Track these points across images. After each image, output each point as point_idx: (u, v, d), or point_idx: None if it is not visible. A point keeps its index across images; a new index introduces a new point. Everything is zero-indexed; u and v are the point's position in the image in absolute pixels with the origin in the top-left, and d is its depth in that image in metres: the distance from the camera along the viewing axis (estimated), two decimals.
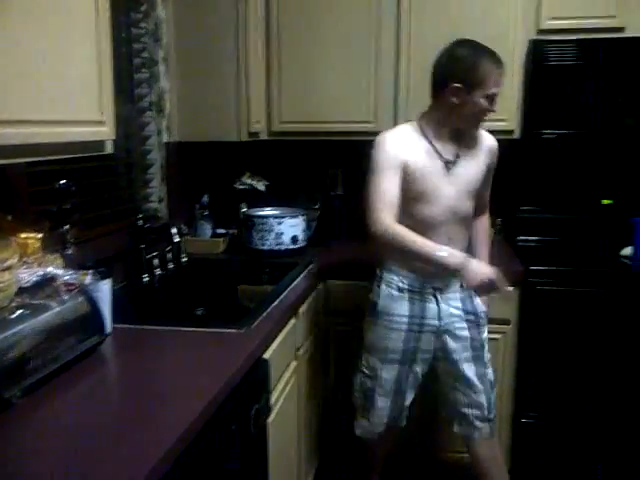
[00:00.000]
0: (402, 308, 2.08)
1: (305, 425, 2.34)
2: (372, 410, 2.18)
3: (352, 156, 3.14)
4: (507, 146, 2.87)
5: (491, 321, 2.50)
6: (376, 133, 2.80)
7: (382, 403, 2.16)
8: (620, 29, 2.60)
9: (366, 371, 2.17)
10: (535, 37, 2.66)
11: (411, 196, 1.97)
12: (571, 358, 2.50)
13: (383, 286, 2.12)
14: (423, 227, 1.96)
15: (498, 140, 2.79)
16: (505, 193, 3.02)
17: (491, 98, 1.93)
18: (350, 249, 2.86)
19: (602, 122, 2.65)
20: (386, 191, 1.92)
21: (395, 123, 2.76)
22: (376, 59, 2.77)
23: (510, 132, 2.73)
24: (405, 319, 2.07)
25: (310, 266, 2.52)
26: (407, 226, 1.90)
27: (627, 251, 2.57)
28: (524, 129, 2.73)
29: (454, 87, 1.91)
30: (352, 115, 2.82)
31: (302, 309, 2.25)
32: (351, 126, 2.83)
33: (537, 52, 2.64)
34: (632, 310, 2.42)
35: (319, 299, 2.57)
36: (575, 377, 2.51)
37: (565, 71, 2.64)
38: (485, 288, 1.87)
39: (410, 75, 2.74)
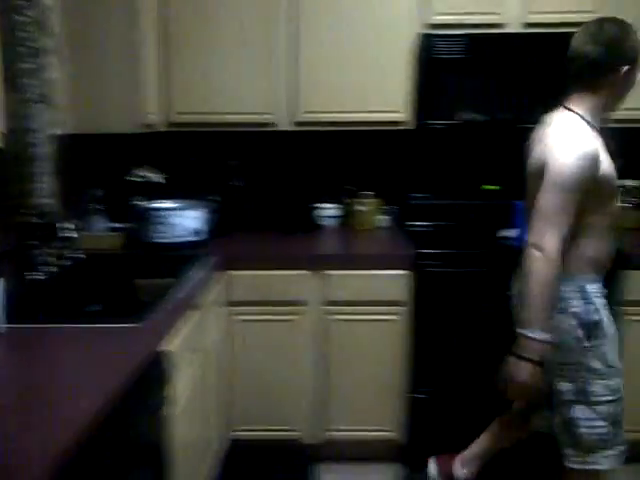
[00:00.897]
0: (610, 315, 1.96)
1: (214, 415, 2.36)
2: (620, 432, 1.96)
3: (251, 147, 3.19)
4: (398, 136, 3.02)
5: (385, 303, 2.64)
6: (273, 124, 2.87)
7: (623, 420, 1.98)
8: (502, 25, 2.77)
9: (611, 398, 1.92)
10: (424, 31, 2.77)
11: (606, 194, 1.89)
12: (462, 334, 2.65)
13: (595, 299, 1.91)
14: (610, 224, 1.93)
15: (389, 131, 2.93)
16: (397, 181, 3.16)
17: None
18: (253, 240, 2.89)
19: (486, 113, 2.81)
20: (564, 212, 1.81)
21: (290, 114, 2.82)
22: (271, 50, 2.80)
23: (401, 123, 2.84)
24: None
25: (211, 258, 2.53)
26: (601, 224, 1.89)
27: (506, 232, 2.74)
28: (415, 120, 2.85)
29: (626, 69, 1.84)
30: (249, 106, 2.83)
31: (205, 300, 2.26)
32: (248, 117, 2.85)
33: (426, 46, 2.75)
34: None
35: (223, 290, 2.60)
36: (466, 352, 2.66)
37: (453, 64, 2.77)
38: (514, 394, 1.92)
39: (304, 66, 2.80)
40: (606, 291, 1.96)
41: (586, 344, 1.89)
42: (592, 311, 1.89)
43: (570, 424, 1.95)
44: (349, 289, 2.64)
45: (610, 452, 1.93)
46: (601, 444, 1.93)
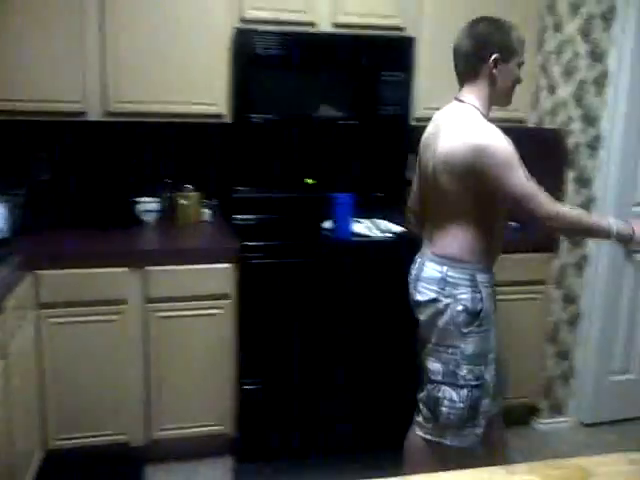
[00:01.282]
0: (492, 305, 2.07)
1: (22, 426, 2.17)
2: (478, 417, 2.06)
3: (60, 138, 2.97)
4: (219, 130, 3.00)
5: (210, 297, 2.61)
6: (82, 114, 2.70)
7: (486, 406, 2.07)
8: (313, 24, 2.85)
9: (473, 382, 2.02)
10: (240, 25, 2.77)
11: None
12: (287, 324, 2.70)
13: (482, 288, 2.00)
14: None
15: (209, 124, 2.91)
16: (219, 175, 3.15)
17: (521, 67, 2.02)
18: (66, 236, 2.70)
19: (303, 109, 2.89)
20: (531, 179, 1.91)
21: (103, 104, 2.68)
22: (80, 38, 2.62)
23: (220, 116, 2.82)
24: (493, 315, 2.07)
25: (15, 257, 2.32)
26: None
27: (328, 224, 2.85)
28: (235, 113, 2.84)
29: (495, 58, 1.96)
30: (55, 94, 2.64)
31: (8, 304, 2.07)
32: (55, 106, 2.65)
33: (242, 40, 2.75)
34: (335, 275, 2.72)
35: (30, 292, 2.39)
36: (292, 342, 2.72)
37: (269, 60, 2.79)
38: None
39: (115, 56, 2.66)
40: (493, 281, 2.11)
41: (464, 330, 2.00)
42: (478, 300, 2.00)
43: (434, 402, 2.07)
44: (171, 285, 2.57)
45: (463, 433, 2.06)
46: (456, 424, 2.05)
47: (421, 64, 2.94)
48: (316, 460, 2.67)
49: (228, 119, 2.85)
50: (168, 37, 2.71)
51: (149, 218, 2.98)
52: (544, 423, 3.19)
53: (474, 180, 1.93)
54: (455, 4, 2.92)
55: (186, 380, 2.66)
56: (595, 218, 2.08)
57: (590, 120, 2.94)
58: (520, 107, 3.11)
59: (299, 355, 2.73)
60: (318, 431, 2.78)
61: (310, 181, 3.05)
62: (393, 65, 2.89)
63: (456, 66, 2.08)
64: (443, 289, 2.01)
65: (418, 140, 3.16)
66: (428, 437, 2.12)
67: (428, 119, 2.94)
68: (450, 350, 2.03)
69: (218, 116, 2.82)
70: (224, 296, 2.63)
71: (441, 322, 2.02)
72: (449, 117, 2.05)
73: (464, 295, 1.99)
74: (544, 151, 3.08)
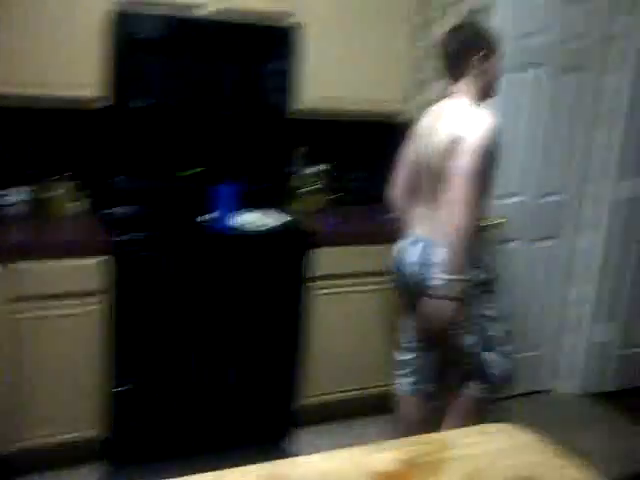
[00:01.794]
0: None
1: None
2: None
3: None
4: (96, 116, 2.84)
5: (81, 294, 2.48)
6: None
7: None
8: (196, 7, 2.74)
9: (502, 340, 2.35)
10: (119, 8, 2.62)
11: None
12: (166, 321, 2.62)
13: (483, 260, 2.30)
14: None
15: (85, 110, 2.74)
16: (97, 164, 2.99)
17: (500, 61, 2.30)
18: None
19: (186, 96, 2.81)
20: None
21: None
22: None
23: (96, 101, 2.66)
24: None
25: None
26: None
27: (209, 215, 2.80)
28: (112, 99, 2.69)
29: (479, 58, 2.23)
30: None
31: None
32: None
33: (122, 23, 2.59)
34: (218, 267, 2.68)
35: None
36: (171, 337, 2.64)
37: (150, 45, 2.68)
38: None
39: None
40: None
41: (480, 300, 2.27)
42: (483, 271, 2.28)
43: (481, 367, 2.33)
44: (39, 282, 2.41)
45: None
46: (509, 379, 2.42)
47: (306, 56, 2.92)
48: (194, 458, 2.62)
49: (104, 104, 2.69)
50: (41, 18, 2.52)
51: (15, 211, 2.78)
52: None
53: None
54: None
55: (57, 383, 2.50)
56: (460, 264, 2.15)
57: None
58: (401, 101, 3.19)
59: (177, 352, 2.66)
60: (196, 429, 2.74)
61: (193, 171, 2.98)
62: (278, 53, 2.86)
63: (446, 67, 2.34)
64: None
65: (305, 131, 3.24)
66: (483, 396, 2.40)
67: (315, 110, 3.00)
68: (476, 320, 2.27)
69: (94, 101, 2.66)
70: (97, 293, 2.50)
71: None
72: (449, 109, 2.28)
73: (474, 271, 2.20)
74: None
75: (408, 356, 2.53)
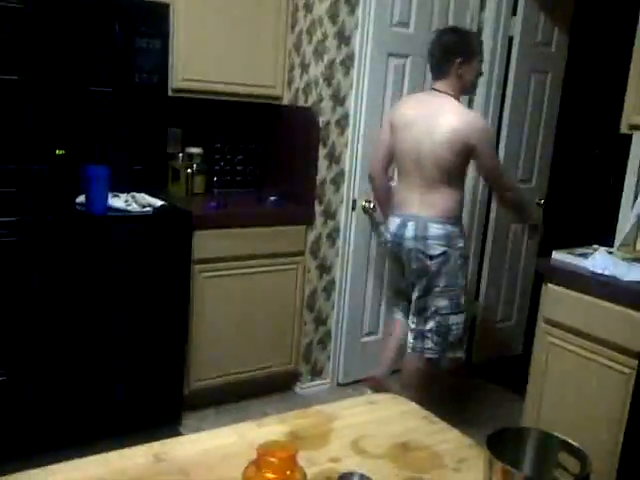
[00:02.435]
0: None
1: None
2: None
3: None
4: None
5: None
6: None
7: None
8: None
9: (465, 307, 2.73)
10: None
11: None
12: (37, 309, 2.47)
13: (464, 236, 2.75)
14: None
15: None
16: None
17: (481, 63, 2.68)
18: None
19: (51, 71, 2.64)
20: None
21: None
22: None
23: None
24: None
25: None
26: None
27: (81, 199, 2.67)
28: None
29: (459, 61, 2.57)
30: None
31: None
32: None
33: None
34: (90, 252, 2.55)
35: None
36: (50, 325, 2.49)
37: (9, 14, 2.49)
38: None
39: None
40: None
41: (460, 271, 2.66)
42: (466, 246, 2.73)
43: (446, 329, 2.67)
44: None
45: (462, 345, 2.84)
46: (462, 338, 2.78)
47: (178, 33, 2.87)
48: (84, 447, 2.50)
49: None
50: None
51: None
52: (305, 387, 3.39)
53: (467, 152, 2.54)
54: None
55: None
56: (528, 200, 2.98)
57: (339, 99, 3.14)
58: (276, 85, 3.23)
59: (57, 341, 2.53)
60: (82, 418, 2.63)
61: (60, 152, 2.82)
62: (147, 32, 2.78)
63: (431, 67, 2.70)
64: (448, 243, 2.60)
65: (179, 112, 3.17)
66: (435, 357, 2.71)
67: (188, 90, 2.94)
68: (454, 287, 2.65)
69: None
70: None
71: (447, 268, 2.61)
72: (438, 104, 2.59)
73: (460, 244, 2.65)
74: (299, 128, 3.23)
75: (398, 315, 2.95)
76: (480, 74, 2.71)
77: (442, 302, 2.65)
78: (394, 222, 2.71)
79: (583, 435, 2.28)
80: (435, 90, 2.65)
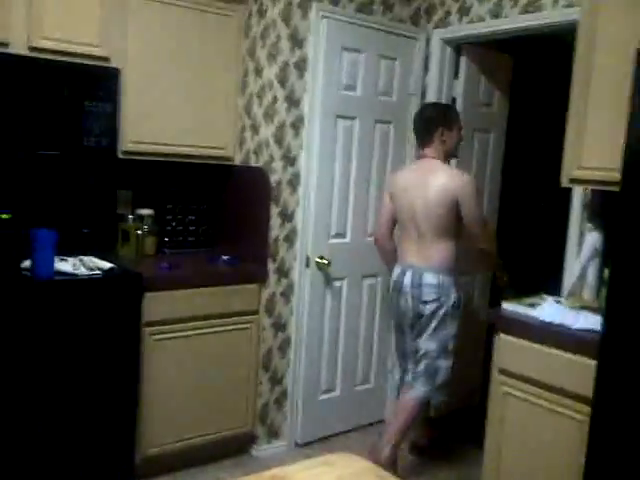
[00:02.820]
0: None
1: None
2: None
3: None
4: None
5: None
6: None
7: None
8: (5, 44, 2.59)
9: (452, 353, 3.00)
10: None
11: None
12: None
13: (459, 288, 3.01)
14: None
15: None
16: None
17: (461, 130, 3.07)
18: None
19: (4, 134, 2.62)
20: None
21: None
22: None
23: None
24: None
25: None
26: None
27: (27, 263, 2.61)
28: None
29: (441, 131, 2.98)
30: None
31: None
32: None
33: None
34: (36, 318, 2.48)
35: None
36: None
37: None
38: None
39: None
40: None
41: (452, 318, 2.94)
42: (459, 296, 2.98)
43: (434, 370, 2.95)
44: None
45: (447, 388, 3.03)
46: (448, 382, 3.00)
47: (128, 97, 2.90)
48: None
49: None
50: None
51: None
52: (263, 449, 3.30)
53: (457, 207, 2.86)
54: (160, 41, 2.97)
55: None
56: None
57: (290, 159, 3.19)
58: (228, 146, 3.27)
59: (3, 410, 2.42)
60: None
61: (5, 216, 2.76)
62: (97, 95, 2.79)
63: (417, 136, 3.09)
64: (441, 291, 2.91)
65: (129, 174, 3.17)
66: (424, 395, 2.99)
67: (138, 153, 2.95)
68: (444, 332, 2.93)
69: None
70: None
71: (441, 313, 2.91)
72: (429, 167, 2.96)
73: (453, 294, 2.93)
74: (251, 187, 3.26)
75: (397, 375, 3.25)
76: (460, 140, 3.08)
77: (432, 345, 2.94)
78: (396, 271, 3.06)
79: None
80: (423, 156, 3.05)
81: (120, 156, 2.92)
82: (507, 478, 2.49)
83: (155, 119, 2.98)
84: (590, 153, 2.45)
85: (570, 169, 2.52)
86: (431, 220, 2.90)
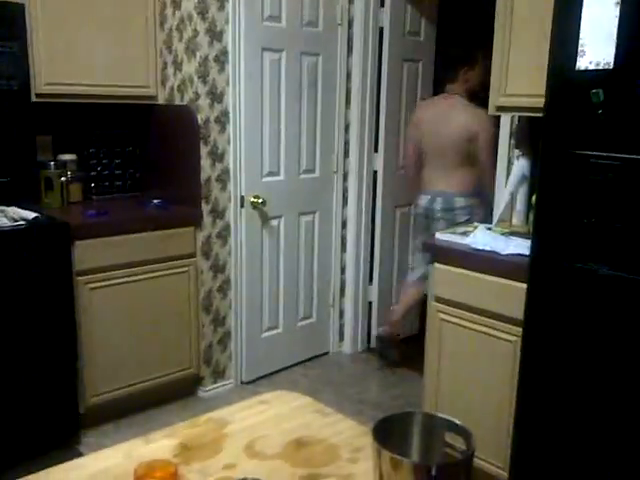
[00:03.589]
0: None
1: None
2: None
3: None
4: None
5: None
6: None
7: None
8: None
9: None
10: None
11: None
12: None
13: None
14: None
15: None
16: None
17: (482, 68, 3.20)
18: None
19: None
20: None
21: None
22: None
23: None
24: None
25: None
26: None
27: None
28: None
29: (465, 69, 3.27)
30: None
31: None
32: None
33: None
34: None
35: None
36: None
37: None
38: None
39: None
40: None
41: None
42: (485, 214, 3.19)
43: None
44: None
45: None
46: None
47: (36, 35, 2.70)
48: None
49: None
50: None
51: None
52: (209, 389, 3.32)
53: (475, 138, 3.15)
54: None
55: None
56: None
57: (216, 96, 3.07)
58: (150, 84, 3.12)
59: None
60: None
61: None
62: (2, 35, 2.59)
63: (444, 73, 3.38)
64: (471, 212, 3.23)
65: (47, 119, 2.99)
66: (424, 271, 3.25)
67: (53, 95, 2.78)
68: None
69: None
70: None
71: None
72: (452, 103, 3.27)
73: (480, 212, 3.22)
74: (177, 127, 3.14)
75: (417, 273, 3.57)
76: (483, 78, 3.15)
77: None
78: (424, 199, 3.36)
79: (481, 405, 2.42)
80: (447, 93, 3.33)
81: (34, 99, 2.74)
82: (445, 399, 2.59)
83: (69, 59, 2.80)
84: (515, 80, 2.45)
85: (496, 97, 2.53)
86: (456, 150, 3.20)
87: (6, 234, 2.49)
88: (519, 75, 2.43)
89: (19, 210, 2.64)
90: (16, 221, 2.57)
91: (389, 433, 0.94)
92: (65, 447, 2.68)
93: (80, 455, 1.17)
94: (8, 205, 2.66)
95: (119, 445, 1.18)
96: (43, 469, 1.11)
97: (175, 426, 1.25)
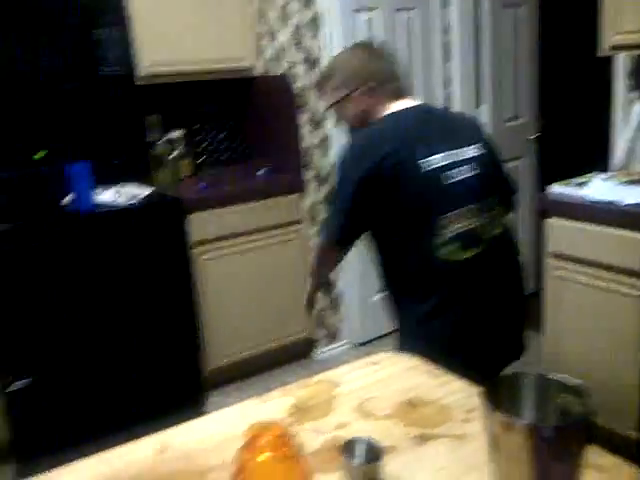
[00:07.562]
0: None
1: None
2: None
3: None
4: None
5: None
6: None
7: None
8: None
9: None
10: None
11: None
12: (37, 313, 2.46)
13: None
14: None
15: None
16: None
17: None
18: None
19: (17, 72, 2.59)
20: None
21: None
22: None
23: None
24: None
25: None
26: None
27: (66, 199, 2.64)
28: None
29: None
30: None
31: None
32: None
33: None
34: (83, 251, 2.54)
35: None
36: (61, 327, 2.49)
37: None
38: None
39: None
40: None
41: None
42: None
43: None
44: None
45: None
46: None
47: (137, 19, 2.77)
48: (109, 438, 2.52)
49: None
50: None
51: None
52: (323, 352, 3.39)
53: None
54: None
55: None
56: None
57: (311, 62, 3.06)
58: (247, 56, 3.15)
59: (70, 341, 2.53)
60: (104, 412, 2.63)
61: (39, 155, 2.77)
62: (104, 21, 2.71)
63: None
64: None
65: (153, 99, 3.11)
66: None
67: (156, 75, 2.87)
68: None
69: None
70: None
71: None
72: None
73: None
74: (275, 97, 3.16)
75: None
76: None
77: None
78: None
79: (606, 365, 2.29)
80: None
81: (139, 82, 2.85)
82: (567, 359, 2.48)
83: (168, 39, 2.87)
84: (633, 15, 2.24)
85: (610, 35, 2.33)
86: None
87: (124, 212, 2.63)
88: (636, 9, 2.22)
89: (134, 188, 2.78)
90: (131, 199, 2.70)
91: (501, 394, 0.91)
92: (192, 407, 2.83)
93: (204, 414, 1.22)
94: (123, 185, 2.80)
95: (237, 405, 1.23)
96: (173, 425, 1.19)
97: (288, 387, 1.28)
